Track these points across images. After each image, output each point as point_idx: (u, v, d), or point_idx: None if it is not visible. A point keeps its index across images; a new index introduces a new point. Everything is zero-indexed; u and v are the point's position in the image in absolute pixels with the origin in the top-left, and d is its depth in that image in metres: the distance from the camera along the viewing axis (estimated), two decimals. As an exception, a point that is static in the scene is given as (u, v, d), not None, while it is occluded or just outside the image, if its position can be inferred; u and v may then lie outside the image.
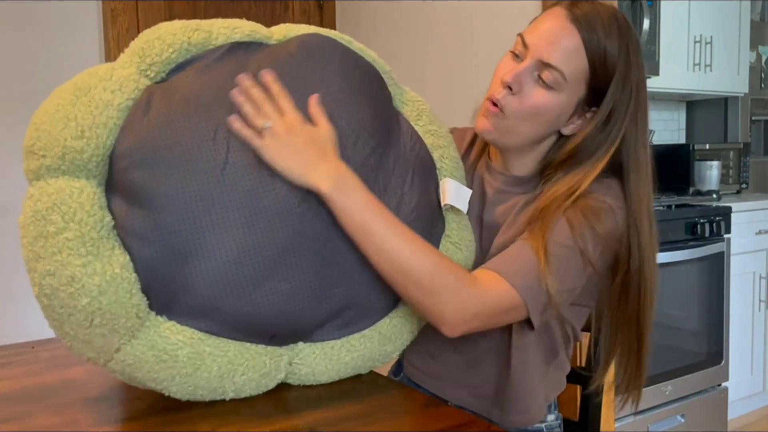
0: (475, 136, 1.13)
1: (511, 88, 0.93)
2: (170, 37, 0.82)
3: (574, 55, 0.92)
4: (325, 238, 0.81)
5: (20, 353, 1.08)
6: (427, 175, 0.93)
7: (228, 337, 0.79)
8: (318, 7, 2.54)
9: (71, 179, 0.77)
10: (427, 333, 0.97)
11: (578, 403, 1.14)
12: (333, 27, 2.59)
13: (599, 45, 0.92)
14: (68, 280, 0.74)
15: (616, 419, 2.19)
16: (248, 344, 0.80)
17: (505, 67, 0.96)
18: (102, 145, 0.77)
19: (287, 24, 0.94)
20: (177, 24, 0.85)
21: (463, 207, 0.95)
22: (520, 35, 0.96)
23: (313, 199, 0.80)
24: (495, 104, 0.96)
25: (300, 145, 0.79)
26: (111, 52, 2.13)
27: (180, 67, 0.83)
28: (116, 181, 0.78)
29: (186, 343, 0.77)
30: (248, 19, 0.93)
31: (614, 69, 0.93)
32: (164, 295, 0.76)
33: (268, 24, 0.95)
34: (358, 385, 0.89)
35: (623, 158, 0.96)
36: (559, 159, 0.98)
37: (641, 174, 0.96)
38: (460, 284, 0.85)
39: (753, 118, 3.38)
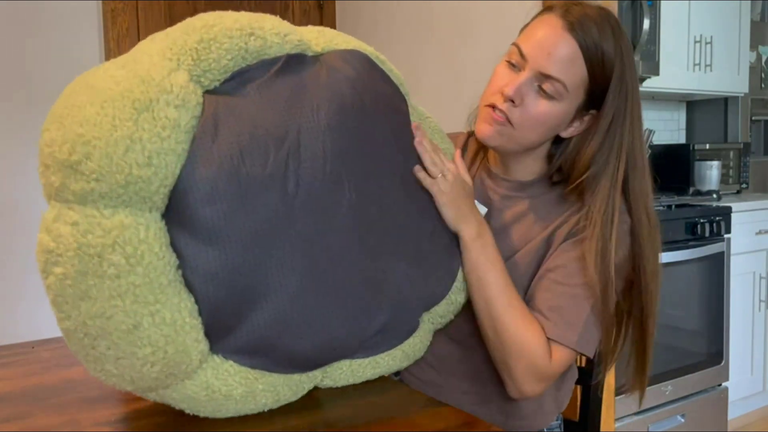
0: (467, 141, 1.14)
1: (513, 101, 0.94)
2: (227, 41, 0.74)
3: (573, 64, 0.92)
4: (382, 273, 0.82)
5: (20, 353, 1.08)
6: None
7: (277, 372, 0.78)
8: (318, 7, 2.54)
9: (134, 213, 0.67)
10: (430, 343, 0.98)
11: (578, 403, 1.14)
12: (333, 27, 2.59)
13: (597, 50, 0.92)
14: (130, 327, 0.67)
15: (616, 419, 2.19)
16: (293, 375, 0.80)
17: (503, 77, 0.96)
18: (171, 175, 0.68)
19: (320, 29, 0.90)
20: (231, 23, 0.75)
21: None
22: (516, 45, 0.96)
23: (370, 238, 0.81)
24: (499, 112, 0.95)
25: (461, 195, 0.93)
26: (111, 52, 2.13)
27: (233, 77, 0.75)
28: (182, 216, 0.69)
29: (241, 383, 0.75)
30: None
31: (612, 71, 0.94)
32: (224, 334, 0.73)
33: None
34: (358, 386, 0.89)
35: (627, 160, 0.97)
36: (578, 172, 0.97)
37: (642, 173, 0.97)
38: (539, 360, 0.90)
39: (753, 118, 3.38)
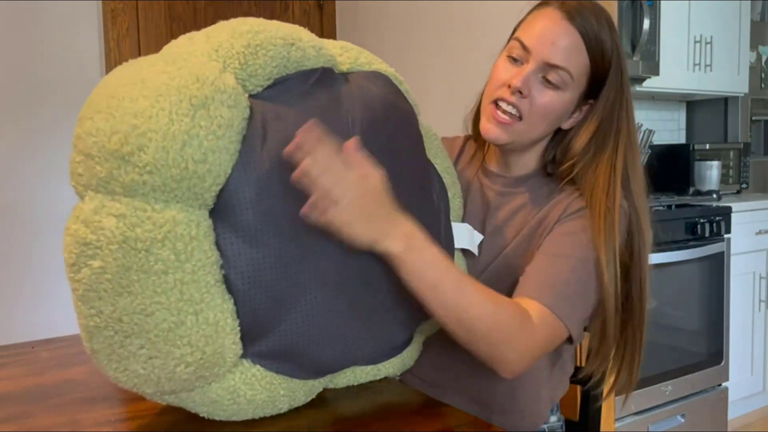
0: (464, 145, 1.14)
1: (521, 93, 0.94)
2: (272, 49, 0.75)
3: (576, 52, 0.94)
4: (402, 291, 0.82)
5: (20, 353, 1.08)
6: (448, 218, 0.96)
7: (300, 378, 0.79)
8: (318, 7, 2.54)
9: (186, 209, 0.67)
10: (429, 344, 0.97)
11: (578, 403, 1.14)
12: (333, 27, 2.59)
13: (596, 39, 0.94)
14: (171, 326, 0.66)
15: (616, 419, 2.19)
16: (312, 381, 0.81)
17: (506, 71, 0.96)
18: (223, 173, 0.68)
19: (342, 44, 0.90)
20: (275, 31, 0.77)
21: (476, 251, 0.99)
22: (517, 39, 0.97)
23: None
24: (507, 106, 0.95)
25: (369, 204, 0.75)
26: (111, 52, 2.13)
27: (274, 84, 0.76)
28: (229, 215, 0.69)
29: (266, 389, 0.75)
30: None
31: (610, 60, 0.96)
32: (257, 338, 0.74)
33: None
34: (358, 386, 0.89)
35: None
36: (569, 159, 0.98)
37: (638, 162, 0.99)
38: (520, 333, 0.84)
39: (753, 118, 3.38)
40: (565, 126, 1.00)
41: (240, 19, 0.79)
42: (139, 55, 2.18)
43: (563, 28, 0.93)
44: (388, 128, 0.84)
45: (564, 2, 0.95)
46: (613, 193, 0.94)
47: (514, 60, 0.96)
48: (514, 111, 0.96)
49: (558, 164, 1.01)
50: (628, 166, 0.97)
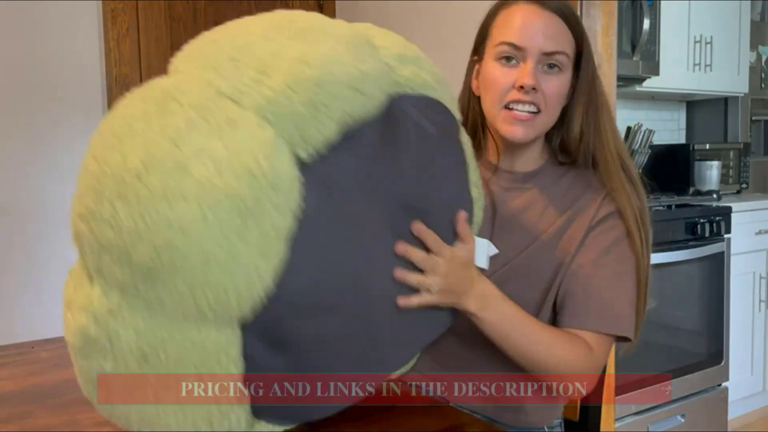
0: None
1: (534, 89, 0.96)
2: (337, 105, 0.61)
3: (563, 33, 0.98)
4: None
5: (20, 353, 1.08)
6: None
7: None
8: (318, 8, 2.54)
9: (216, 329, 0.59)
10: (440, 347, 0.97)
11: (578, 403, 1.14)
12: (333, 27, 2.59)
13: (572, 14, 0.99)
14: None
15: (616, 419, 2.19)
16: None
17: (507, 75, 0.98)
18: (264, 289, 0.59)
19: (397, 47, 0.79)
20: (339, 70, 0.62)
21: (487, 266, 0.97)
22: (504, 42, 0.98)
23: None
24: (525, 106, 0.98)
25: (453, 281, 0.82)
26: (111, 52, 2.13)
27: (332, 148, 0.64)
28: (261, 325, 0.62)
29: None
30: None
31: (583, 32, 1.01)
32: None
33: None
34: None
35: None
36: (574, 140, 1.02)
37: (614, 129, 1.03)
38: (585, 365, 0.93)
39: (753, 118, 3.38)
40: (565, 102, 1.03)
41: (301, 55, 0.62)
42: (139, 54, 2.18)
43: (545, 17, 0.97)
44: (437, 169, 0.80)
45: None
46: (625, 185, 0.98)
47: (507, 60, 0.98)
48: (532, 108, 0.98)
49: (565, 148, 1.04)
50: (619, 145, 1.02)
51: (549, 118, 1.00)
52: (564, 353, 0.92)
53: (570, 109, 1.02)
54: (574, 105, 1.01)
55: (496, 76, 0.99)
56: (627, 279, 0.97)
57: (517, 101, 0.97)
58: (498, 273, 0.99)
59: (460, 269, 0.83)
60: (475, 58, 1.07)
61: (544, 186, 1.04)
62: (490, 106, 1.01)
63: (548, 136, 1.06)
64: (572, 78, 1.01)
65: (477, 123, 1.08)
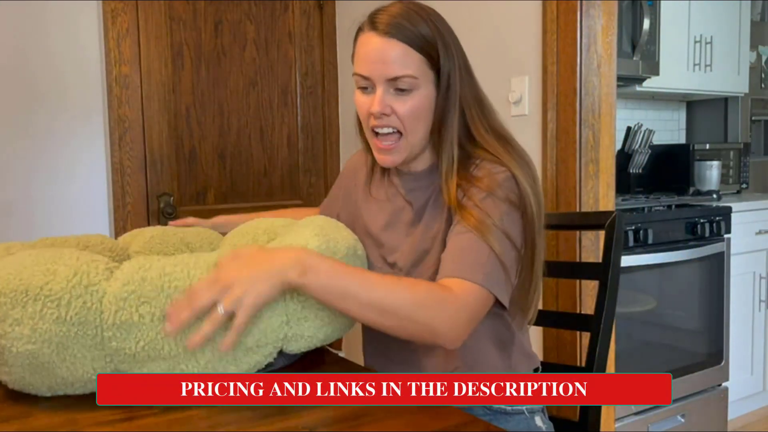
0: (374, 162, 1.18)
1: (384, 114, 1.02)
2: None
3: (406, 56, 1.01)
4: None
5: (20, 353, 1.07)
6: None
7: None
8: (318, 8, 2.54)
9: None
10: (380, 341, 1.00)
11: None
12: (333, 27, 2.59)
13: (416, 35, 1.01)
14: None
15: (616, 419, 2.19)
16: None
17: (364, 103, 1.05)
18: None
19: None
20: None
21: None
22: (355, 73, 1.05)
23: None
24: (384, 132, 1.04)
25: (247, 265, 0.83)
26: (111, 52, 2.13)
27: None
28: None
29: None
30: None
31: (435, 42, 1.02)
32: None
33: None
34: (358, 385, 0.89)
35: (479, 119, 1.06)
36: (436, 134, 1.06)
37: (485, 115, 1.06)
38: (442, 303, 0.90)
39: (753, 118, 3.38)
40: (438, 113, 1.05)
41: None
42: (139, 54, 2.18)
43: (383, 44, 1.01)
44: None
45: (373, 20, 1.02)
46: (451, 159, 1.03)
47: (364, 89, 1.05)
48: (391, 130, 1.04)
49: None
50: (473, 123, 1.05)
51: (414, 136, 1.05)
52: (409, 291, 0.88)
53: (435, 113, 1.05)
54: (437, 109, 1.04)
55: (357, 103, 1.07)
56: (494, 235, 0.96)
57: (376, 127, 1.04)
58: (421, 270, 1.05)
59: (247, 258, 0.83)
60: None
61: (434, 182, 1.09)
62: (364, 131, 1.09)
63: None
64: (434, 88, 1.04)
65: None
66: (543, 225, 1.03)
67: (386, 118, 1.03)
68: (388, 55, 1.00)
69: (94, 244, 1.14)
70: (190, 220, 1.33)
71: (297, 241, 0.92)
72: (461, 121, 1.05)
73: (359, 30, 1.05)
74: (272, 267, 0.83)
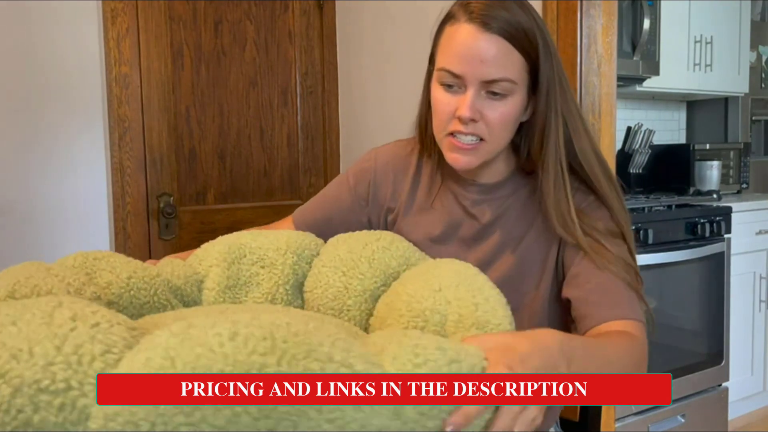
0: (420, 162, 1.10)
1: (473, 120, 0.92)
2: None
3: (506, 56, 0.90)
4: None
5: (20, 353, 1.07)
6: None
7: None
8: (318, 7, 2.54)
9: None
10: None
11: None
12: (333, 27, 2.58)
13: (519, 31, 0.90)
14: None
15: (616, 419, 2.19)
16: None
17: (448, 102, 0.93)
18: None
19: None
20: None
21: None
22: (443, 69, 0.93)
23: None
24: (466, 137, 0.94)
25: (528, 365, 0.69)
26: (111, 52, 2.13)
27: None
28: None
29: None
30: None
31: (536, 41, 0.91)
32: None
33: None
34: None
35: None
36: (535, 150, 0.97)
37: (583, 135, 0.98)
38: (641, 352, 0.89)
39: (753, 118, 3.38)
40: (524, 119, 0.98)
41: None
42: (139, 54, 2.18)
43: (484, 40, 0.89)
44: None
45: (471, 11, 0.90)
46: (561, 180, 0.95)
47: (449, 87, 0.93)
48: (474, 139, 0.93)
49: (532, 160, 0.99)
50: (575, 140, 0.97)
51: (495, 145, 0.95)
52: (629, 354, 0.86)
53: (530, 125, 0.97)
54: (534, 121, 0.96)
55: (439, 102, 0.95)
56: (621, 268, 0.95)
57: (458, 132, 0.93)
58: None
59: (524, 367, 0.69)
60: (430, 68, 1.01)
61: (511, 195, 1.02)
62: (436, 130, 0.98)
63: (515, 145, 1.02)
64: (531, 91, 0.95)
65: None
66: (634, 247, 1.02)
67: (473, 124, 0.92)
68: (490, 54, 0.89)
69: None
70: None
71: (498, 316, 0.75)
72: (565, 134, 0.95)
73: (450, 17, 0.93)
74: (552, 365, 0.71)
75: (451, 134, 0.94)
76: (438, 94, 0.95)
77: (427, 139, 1.05)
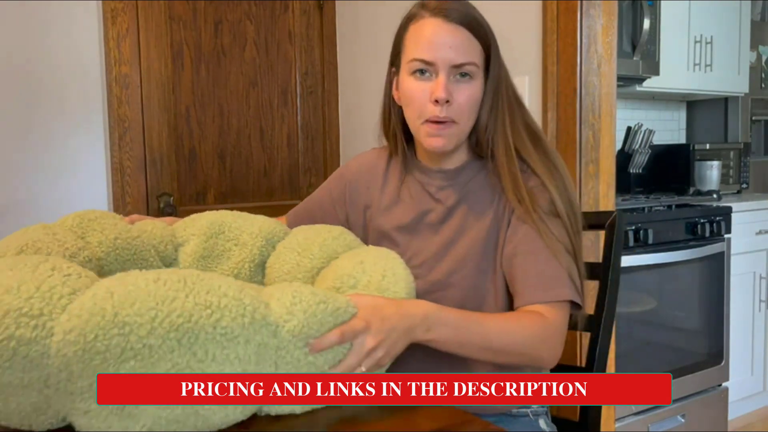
0: (390, 161, 1.21)
1: (448, 101, 1.02)
2: None
3: (470, 43, 1.03)
4: None
5: (20, 353, 1.07)
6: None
7: None
8: (318, 8, 2.54)
9: None
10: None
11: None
12: (333, 27, 2.59)
13: (477, 22, 1.04)
14: None
15: (616, 419, 2.19)
16: None
17: (423, 89, 1.03)
18: None
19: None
20: None
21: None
22: (415, 59, 1.03)
23: None
24: (442, 121, 1.03)
25: (388, 322, 0.84)
26: (111, 52, 2.13)
27: None
28: None
29: None
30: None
31: (489, 33, 1.06)
32: None
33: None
34: (358, 385, 0.89)
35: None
36: (481, 136, 1.08)
37: (521, 126, 1.08)
38: (544, 334, 0.96)
39: (753, 118, 3.38)
40: (487, 109, 1.08)
41: None
42: (139, 54, 2.18)
43: (450, 30, 1.01)
44: None
45: (432, 8, 1.03)
46: (515, 168, 1.04)
47: (422, 74, 1.04)
48: (447, 121, 1.04)
49: (479, 143, 1.10)
50: (527, 127, 1.08)
51: (464, 126, 1.06)
52: (519, 329, 0.95)
53: (480, 108, 1.07)
54: (483, 105, 1.06)
55: (414, 90, 1.04)
56: (558, 249, 1.00)
57: (439, 118, 1.03)
58: (449, 265, 1.07)
59: (382, 324, 0.83)
60: (393, 69, 1.12)
61: (471, 179, 1.11)
62: (412, 120, 1.08)
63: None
64: (483, 81, 1.06)
65: (398, 129, 1.15)
66: (581, 227, 1.06)
67: (447, 107, 1.03)
68: (453, 40, 1.01)
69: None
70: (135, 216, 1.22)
71: (398, 287, 0.92)
72: (511, 117, 1.07)
73: (411, 17, 1.06)
74: (407, 328, 0.86)
75: (427, 121, 1.04)
76: (411, 84, 1.05)
77: (390, 136, 1.17)
